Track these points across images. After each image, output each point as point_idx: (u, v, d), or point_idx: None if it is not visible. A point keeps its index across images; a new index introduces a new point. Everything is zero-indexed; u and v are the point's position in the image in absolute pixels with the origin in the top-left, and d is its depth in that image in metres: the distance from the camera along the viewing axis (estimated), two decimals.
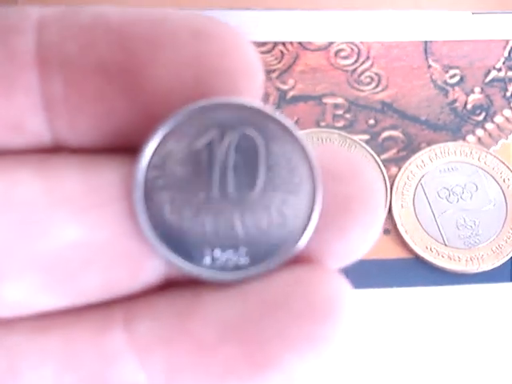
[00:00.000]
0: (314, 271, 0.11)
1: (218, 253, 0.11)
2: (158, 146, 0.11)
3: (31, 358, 0.10)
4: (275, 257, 0.11)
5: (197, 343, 0.10)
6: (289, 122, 0.11)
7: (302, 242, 0.11)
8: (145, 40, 0.11)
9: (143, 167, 0.11)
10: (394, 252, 0.30)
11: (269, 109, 0.11)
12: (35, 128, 0.11)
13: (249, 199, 0.11)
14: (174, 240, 0.11)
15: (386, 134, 0.33)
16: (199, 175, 0.11)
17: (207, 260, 0.11)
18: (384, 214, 0.11)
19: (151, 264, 0.11)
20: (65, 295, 0.11)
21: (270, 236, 0.11)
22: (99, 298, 0.11)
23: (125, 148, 0.11)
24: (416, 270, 0.30)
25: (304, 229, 0.11)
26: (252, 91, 0.11)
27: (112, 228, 0.11)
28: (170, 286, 0.11)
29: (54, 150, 0.11)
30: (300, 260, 0.11)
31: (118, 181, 0.11)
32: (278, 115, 0.11)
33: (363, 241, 0.11)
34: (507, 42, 0.35)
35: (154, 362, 0.11)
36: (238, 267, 0.11)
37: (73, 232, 0.11)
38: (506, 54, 0.35)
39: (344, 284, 0.11)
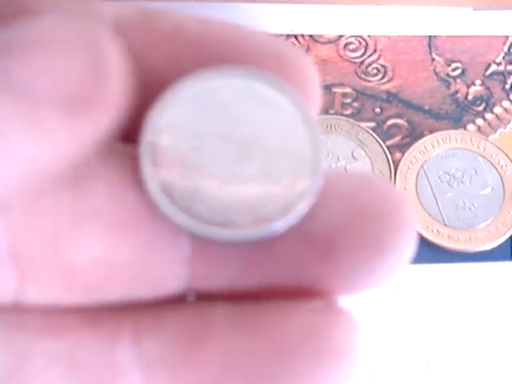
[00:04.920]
0: (328, 315, 0.11)
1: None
2: (164, 113, 0.11)
3: (39, 359, 0.10)
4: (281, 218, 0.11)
5: (200, 374, 0.10)
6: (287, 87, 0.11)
7: (303, 207, 0.11)
8: (226, 58, 0.11)
9: (151, 132, 0.11)
10: None
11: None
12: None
13: (256, 159, 0.11)
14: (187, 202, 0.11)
15: (391, 121, 0.34)
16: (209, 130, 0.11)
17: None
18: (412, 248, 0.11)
19: (173, 282, 0.11)
20: (83, 299, 0.11)
21: (279, 198, 0.11)
22: (114, 303, 0.11)
23: None
24: (418, 249, 0.30)
25: (306, 192, 0.11)
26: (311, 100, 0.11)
27: (137, 247, 0.11)
28: (183, 300, 0.11)
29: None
30: (315, 293, 0.11)
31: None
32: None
33: (385, 277, 0.11)
34: (507, 37, 0.36)
35: (157, 381, 0.10)
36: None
37: (98, 248, 0.10)
38: (505, 49, 0.36)
39: (358, 326, 0.11)
